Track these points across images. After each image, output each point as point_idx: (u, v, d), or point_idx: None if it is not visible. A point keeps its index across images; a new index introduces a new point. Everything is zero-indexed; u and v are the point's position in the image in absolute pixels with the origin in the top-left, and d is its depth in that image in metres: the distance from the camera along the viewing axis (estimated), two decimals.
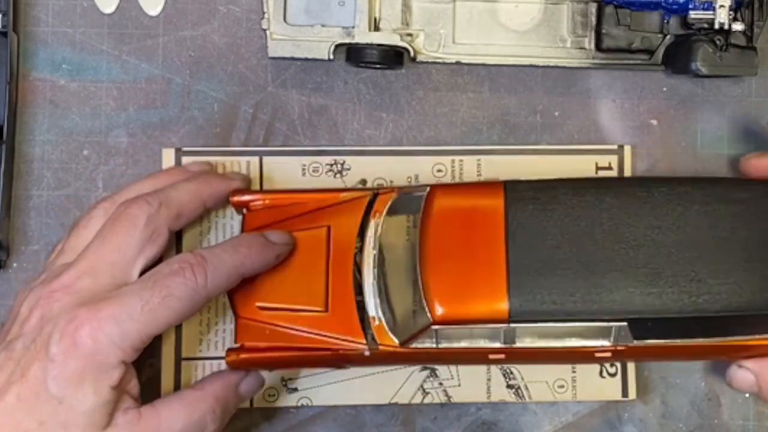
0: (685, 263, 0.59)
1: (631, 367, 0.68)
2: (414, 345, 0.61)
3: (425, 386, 0.68)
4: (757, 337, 0.61)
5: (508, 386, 0.68)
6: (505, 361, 0.64)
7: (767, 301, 0.58)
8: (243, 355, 0.62)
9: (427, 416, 0.69)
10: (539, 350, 0.62)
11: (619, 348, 0.61)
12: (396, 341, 0.62)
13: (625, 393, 0.68)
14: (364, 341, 0.62)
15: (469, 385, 0.68)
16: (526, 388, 0.68)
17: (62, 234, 0.68)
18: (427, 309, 0.59)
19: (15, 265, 0.69)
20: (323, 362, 0.64)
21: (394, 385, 0.68)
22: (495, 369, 0.68)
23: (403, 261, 0.63)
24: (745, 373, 0.63)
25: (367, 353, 0.62)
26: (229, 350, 0.63)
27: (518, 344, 0.61)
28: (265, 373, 0.66)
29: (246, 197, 0.65)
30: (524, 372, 0.68)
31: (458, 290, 0.60)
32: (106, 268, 0.60)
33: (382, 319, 0.62)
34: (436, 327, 0.60)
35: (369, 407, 0.69)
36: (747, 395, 0.69)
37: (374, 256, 0.63)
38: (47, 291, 0.60)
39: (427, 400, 0.68)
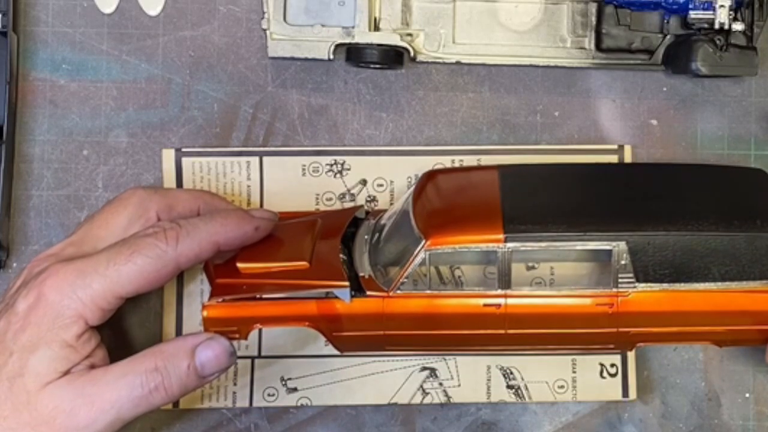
0: (678, 198, 0.61)
1: (631, 367, 0.68)
2: (404, 289, 0.60)
3: (425, 386, 0.68)
4: (758, 283, 0.60)
5: (508, 386, 0.68)
6: (501, 323, 0.62)
7: (759, 226, 0.60)
8: (222, 306, 0.60)
9: (427, 416, 0.69)
10: (535, 304, 0.61)
11: (621, 296, 0.60)
12: (385, 289, 0.61)
13: (625, 393, 0.68)
14: (346, 283, 0.60)
15: (469, 385, 0.68)
16: (526, 388, 0.68)
17: (62, 234, 0.68)
18: (420, 236, 0.59)
19: (15, 265, 0.69)
20: (306, 316, 0.62)
21: (394, 385, 0.68)
22: (495, 369, 0.68)
23: (397, 241, 0.63)
24: None
25: (348, 299, 0.60)
26: (206, 304, 0.61)
27: (514, 290, 0.60)
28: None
29: None
30: (524, 372, 0.68)
31: (452, 218, 0.60)
32: (91, 241, 0.62)
33: (372, 275, 0.62)
34: (430, 250, 0.59)
35: (369, 407, 0.69)
36: (747, 395, 0.69)
37: (367, 239, 0.63)
38: (34, 261, 0.62)
39: (427, 400, 0.68)
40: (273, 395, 0.68)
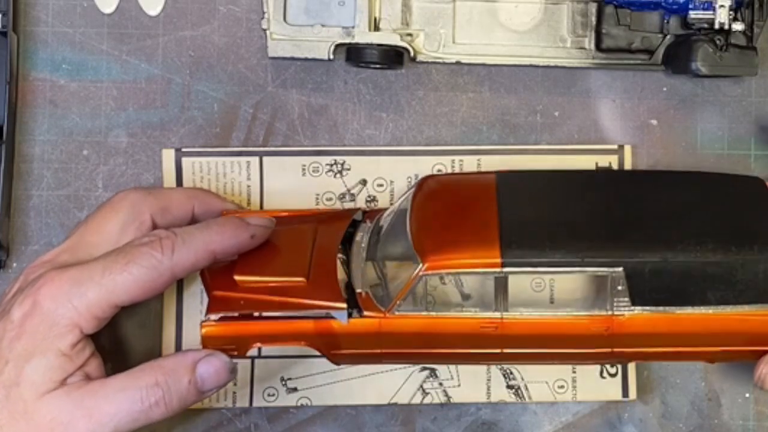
0: (677, 218, 0.60)
1: (631, 367, 0.68)
2: (401, 311, 0.60)
3: (425, 386, 0.68)
4: (753, 307, 0.60)
5: (508, 386, 0.68)
6: (497, 342, 0.61)
7: (758, 252, 0.59)
8: (220, 325, 0.60)
9: (427, 416, 0.69)
10: (532, 324, 0.60)
11: (616, 319, 0.60)
12: (382, 309, 0.60)
13: (625, 393, 0.68)
14: (344, 304, 0.60)
15: (469, 385, 0.68)
16: (526, 388, 0.68)
17: (62, 234, 0.68)
18: (417, 258, 0.59)
19: (15, 265, 0.69)
20: (304, 335, 0.61)
21: (394, 385, 0.68)
22: (495, 369, 0.68)
23: (394, 250, 0.62)
24: None
25: (345, 320, 0.60)
26: (204, 322, 0.61)
27: (511, 312, 0.60)
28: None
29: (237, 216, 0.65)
30: (524, 372, 0.68)
31: (449, 240, 0.60)
32: (85, 247, 0.61)
33: (370, 293, 0.61)
34: (427, 274, 0.59)
35: (369, 407, 0.69)
36: (747, 395, 0.69)
37: (364, 247, 0.63)
38: (29, 267, 0.62)
39: (427, 400, 0.68)
40: (273, 395, 0.68)
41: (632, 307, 0.60)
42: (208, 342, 0.61)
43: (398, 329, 0.61)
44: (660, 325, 0.60)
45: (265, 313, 0.61)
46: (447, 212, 0.61)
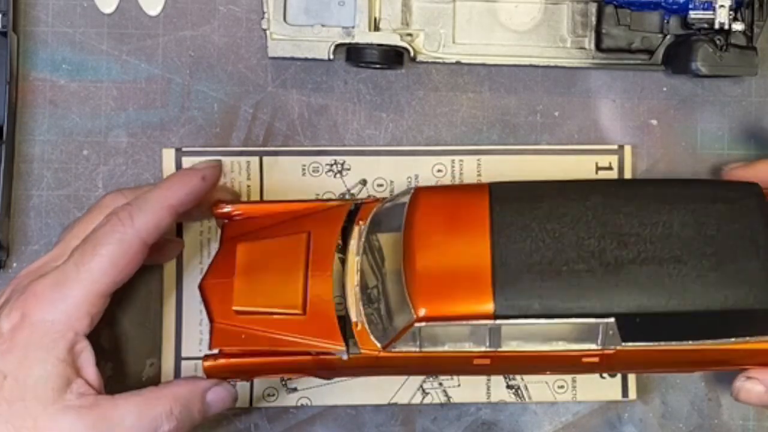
0: (670, 261, 0.58)
1: None
2: (396, 349, 0.60)
3: (425, 386, 0.68)
4: (750, 339, 0.59)
5: (508, 386, 0.68)
6: (491, 369, 0.62)
7: (751, 298, 0.58)
8: (221, 360, 0.61)
9: (427, 416, 0.69)
10: (525, 355, 0.60)
11: (607, 352, 0.60)
12: (378, 345, 0.60)
13: (625, 393, 0.68)
14: (342, 344, 0.60)
15: (469, 385, 0.68)
16: (526, 388, 0.68)
17: None
18: (410, 306, 0.58)
19: (15, 265, 0.69)
20: (303, 368, 0.62)
21: (394, 385, 0.68)
22: None
23: (388, 266, 0.62)
24: (754, 384, 0.61)
25: (345, 357, 0.60)
26: (207, 356, 0.62)
27: (504, 348, 0.60)
28: (240, 387, 0.66)
29: (227, 209, 0.65)
30: None
31: (442, 288, 0.59)
32: (70, 256, 0.61)
33: (365, 324, 0.61)
34: (420, 325, 0.58)
35: (369, 407, 0.69)
36: None
37: (358, 261, 0.62)
38: (16, 278, 0.62)
39: (426, 400, 0.68)
40: (273, 395, 0.68)
41: (624, 343, 0.59)
42: (210, 375, 0.62)
43: (394, 362, 0.61)
44: (650, 354, 0.60)
45: (265, 348, 0.61)
46: (440, 248, 0.60)
